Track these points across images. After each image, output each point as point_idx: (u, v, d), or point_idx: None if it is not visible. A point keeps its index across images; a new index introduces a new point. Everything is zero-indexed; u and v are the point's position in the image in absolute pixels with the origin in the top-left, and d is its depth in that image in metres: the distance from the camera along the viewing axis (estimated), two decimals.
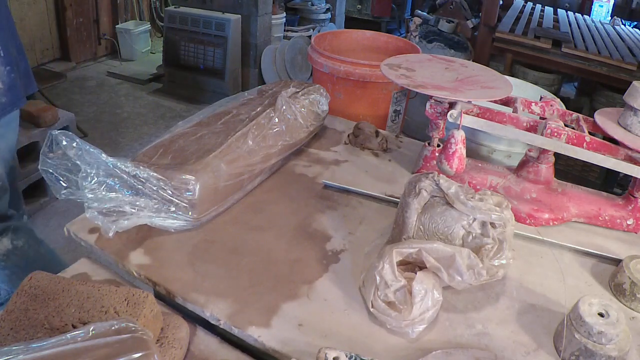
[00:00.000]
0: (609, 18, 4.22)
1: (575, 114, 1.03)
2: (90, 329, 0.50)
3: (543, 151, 0.98)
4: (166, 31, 3.62)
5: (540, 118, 1.04)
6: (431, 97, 0.99)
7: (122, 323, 0.51)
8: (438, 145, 1.09)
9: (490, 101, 1.02)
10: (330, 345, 0.64)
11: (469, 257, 0.73)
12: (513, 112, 1.00)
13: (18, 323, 0.63)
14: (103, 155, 0.80)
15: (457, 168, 0.93)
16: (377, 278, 0.71)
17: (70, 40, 3.85)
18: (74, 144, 0.79)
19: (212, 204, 0.90)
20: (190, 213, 0.86)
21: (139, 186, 0.83)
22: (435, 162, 1.03)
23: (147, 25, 4.27)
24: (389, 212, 0.98)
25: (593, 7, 4.64)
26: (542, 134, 0.93)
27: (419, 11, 4.18)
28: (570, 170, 2.63)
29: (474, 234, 0.78)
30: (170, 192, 0.84)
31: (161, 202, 0.84)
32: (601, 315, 0.67)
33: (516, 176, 1.03)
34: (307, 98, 1.14)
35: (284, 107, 1.07)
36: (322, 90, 1.19)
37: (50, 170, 0.80)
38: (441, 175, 0.81)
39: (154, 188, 0.83)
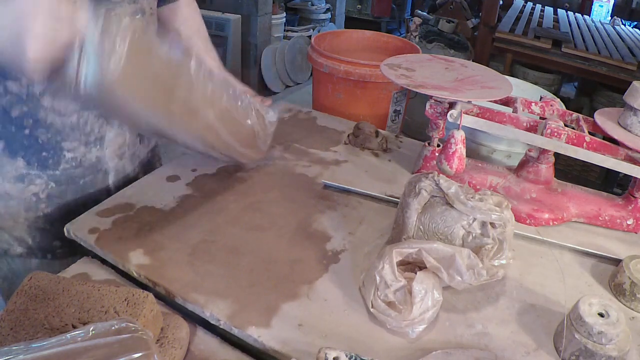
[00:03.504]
0: (609, 18, 4.22)
1: (575, 114, 1.03)
2: (90, 329, 0.50)
3: (543, 151, 0.98)
4: None
5: (540, 118, 1.04)
6: (431, 97, 0.99)
7: (122, 323, 0.51)
8: (438, 145, 1.09)
9: (490, 101, 1.02)
10: (330, 345, 0.64)
11: (469, 257, 0.73)
12: (513, 112, 1.00)
13: (18, 323, 0.63)
14: None
15: (457, 168, 0.93)
16: (377, 278, 0.71)
17: None
18: None
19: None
20: None
21: None
22: (435, 162, 1.03)
23: None
24: (389, 212, 0.98)
25: (593, 7, 4.65)
26: (542, 134, 0.93)
27: (419, 11, 4.18)
28: (570, 170, 2.64)
29: (474, 234, 0.78)
30: None
31: None
32: (601, 315, 0.67)
33: (516, 176, 1.03)
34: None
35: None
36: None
37: None
38: (441, 175, 0.81)
39: None
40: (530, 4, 3.81)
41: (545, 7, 3.84)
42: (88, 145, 0.92)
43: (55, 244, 0.96)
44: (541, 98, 1.09)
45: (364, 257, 0.86)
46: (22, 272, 0.97)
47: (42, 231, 0.95)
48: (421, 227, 0.80)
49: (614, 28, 3.56)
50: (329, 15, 4.60)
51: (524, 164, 1.02)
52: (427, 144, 1.10)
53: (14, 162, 0.87)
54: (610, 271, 0.86)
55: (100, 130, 0.92)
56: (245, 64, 3.65)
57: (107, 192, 0.98)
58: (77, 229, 0.87)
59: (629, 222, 0.97)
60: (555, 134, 0.92)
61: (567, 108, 1.09)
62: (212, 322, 0.73)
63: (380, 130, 1.26)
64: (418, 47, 1.82)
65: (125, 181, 1.01)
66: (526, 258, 0.89)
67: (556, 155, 0.98)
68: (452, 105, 0.97)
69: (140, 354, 0.48)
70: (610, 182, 2.56)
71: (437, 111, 1.01)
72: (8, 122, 0.84)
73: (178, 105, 0.76)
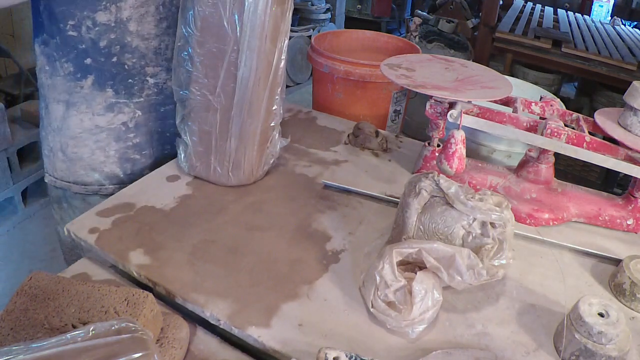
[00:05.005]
0: (609, 18, 4.22)
1: (575, 114, 1.03)
2: (90, 329, 0.50)
3: (543, 151, 0.98)
4: None
5: (540, 118, 1.04)
6: (431, 97, 0.99)
7: (122, 323, 0.51)
8: (438, 145, 1.09)
9: (490, 101, 1.02)
10: (330, 345, 0.64)
11: (469, 257, 0.73)
12: (513, 112, 1.00)
13: (18, 323, 0.63)
14: None
15: (457, 168, 0.93)
16: (377, 278, 0.71)
17: None
18: None
19: None
20: None
21: None
22: (435, 162, 1.03)
23: None
24: (389, 212, 0.98)
25: (593, 7, 4.65)
26: (542, 134, 0.93)
27: (419, 11, 4.17)
28: (570, 170, 2.63)
29: (474, 234, 0.78)
30: None
31: None
32: (601, 315, 0.67)
33: (516, 176, 1.03)
34: None
35: None
36: None
37: None
38: (441, 175, 0.81)
39: None
40: (530, 4, 3.81)
41: (545, 7, 3.83)
42: (169, 72, 0.98)
43: (144, 173, 1.04)
44: (541, 98, 1.09)
45: (364, 257, 0.86)
46: None
47: (132, 161, 1.03)
48: (421, 227, 0.80)
49: (614, 28, 3.56)
50: (329, 15, 4.59)
51: (524, 164, 1.02)
52: (427, 144, 1.10)
53: (103, 93, 0.96)
54: (610, 271, 0.86)
55: None
56: None
57: None
58: (77, 229, 0.87)
59: (629, 222, 0.97)
60: (555, 134, 0.92)
61: (567, 108, 1.09)
62: (212, 322, 0.73)
63: (380, 130, 1.26)
64: (418, 47, 1.82)
65: None
66: (526, 258, 0.89)
67: (556, 155, 0.98)
68: (452, 105, 0.97)
69: (140, 354, 0.48)
70: (610, 182, 2.56)
71: (437, 111, 1.01)
72: (97, 53, 0.92)
73: None
